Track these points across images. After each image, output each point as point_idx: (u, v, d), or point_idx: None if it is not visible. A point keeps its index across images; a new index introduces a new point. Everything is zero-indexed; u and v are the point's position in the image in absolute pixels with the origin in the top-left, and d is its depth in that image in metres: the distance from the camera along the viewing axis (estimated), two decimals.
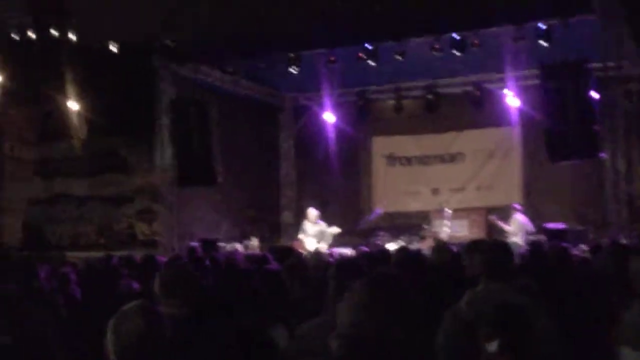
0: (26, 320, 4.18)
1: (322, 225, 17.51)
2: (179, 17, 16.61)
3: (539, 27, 14.76)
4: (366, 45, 15.90)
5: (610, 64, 13.96)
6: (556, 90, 14.10)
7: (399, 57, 15.64)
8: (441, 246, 8.09)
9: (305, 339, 4.20)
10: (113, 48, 27.31)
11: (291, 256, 7.53)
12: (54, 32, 31.88)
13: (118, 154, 28.61)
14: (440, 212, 18.72)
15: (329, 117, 20.29)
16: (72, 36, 32.02)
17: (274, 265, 8.26)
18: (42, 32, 31.91)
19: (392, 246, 16.98)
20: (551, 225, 15.08)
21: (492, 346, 3.46)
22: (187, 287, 4.03)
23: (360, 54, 15.87)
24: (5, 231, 27.09)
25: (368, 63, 16.29)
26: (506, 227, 16.86)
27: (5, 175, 27.01)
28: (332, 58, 16.07)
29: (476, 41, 15.01)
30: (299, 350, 4.21)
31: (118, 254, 12.22)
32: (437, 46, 15.34)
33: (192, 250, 12.41)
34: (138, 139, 23.96)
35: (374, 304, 2.48)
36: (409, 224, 19.76)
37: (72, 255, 18.09)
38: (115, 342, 3.05)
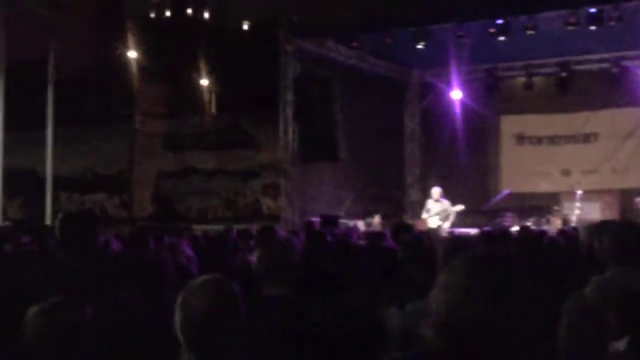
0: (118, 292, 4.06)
1: (446, 204, 17.17)
2: None
3: None
4: (497, 20, 15.30)
5: None
6: None
7: (531, 32, 14.97)
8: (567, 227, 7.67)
9: (408, 322, 3.92)
10: (245, 26, 27.78)
11: (409, 233, 7.21)
12: (189, 11, 32.68)
13: (245, 130, 29.03)
14: (571, 193, 18.05)
15: (456, 94, 19.76)
16: (206, 15, 32.78)
17: (389, 243, 8.00)
18: (178, 11, 32.79)
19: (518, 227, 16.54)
20: None
21: (621, 344, 2.99)
22: (284, 265, 3.79)
23: (491, 29, 15.27)
24: (136, 203, 27.90)
25: (498, 39, 15.73)
26: None
27: (137, 149, 27.77)
28: (461, 33, 15.53)
29: (615, 15, 14.16)
30: (405, 332, 3.94)
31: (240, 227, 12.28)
32: (572, 20, 14.58)
33: (308, 225, 12.28)
34: (264, 114, 24.19)
35: (475, 287, 2.12)
36: (538, 205, 19.09)
37: (199, 227, 18.32)
38: (181, 319, 2.75)
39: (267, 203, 28.26)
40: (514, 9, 14.98)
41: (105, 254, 5.91)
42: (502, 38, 15.60)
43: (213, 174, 29.45)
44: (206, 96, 31.44)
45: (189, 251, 7.93)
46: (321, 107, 16.41)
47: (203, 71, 30.88)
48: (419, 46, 16.31)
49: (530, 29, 14.99)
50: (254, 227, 11.82)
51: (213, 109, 32.59)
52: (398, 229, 7.23)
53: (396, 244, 6.33)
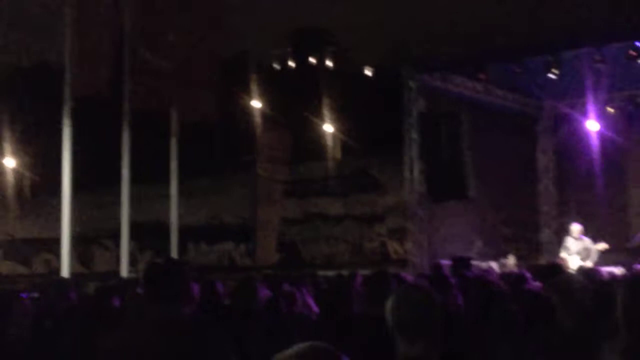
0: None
1: (587, 242, 16.08)
2: (428, 27, 15.96)
3: None
4: (636, 42, 14.20)
5: None
6: None
7: None
8: None
9: None
10: (368, 72, 27.57)
11: (557, 273, 6.31)
12: (312, 60, 32.93)
13: (369, 174, 28.63)
14: None
15: (593, 125, 18.52)
16: (329, 63, 32.90)
17: (532, 285, 7.13)
18: (301, 60, 33.09)
19: None
20: None
21: None
22: (426, 318, 3.02)
23: (631, 52, 14.15)
24: (261, 251, 27.73)
25: (636, 65, 14.61)
26: None
27: (260, 195, 27.68)
28: (598, 58, 14.45)
29: None
30: None
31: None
32: None
33: (436, 267, 11.45)
34: (388, 157, 23.66)
35: None
36: None
37: (325, 274, 17.77)
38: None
39: (394, 247, 27.61)
40: None
41: (206, 306, 5.32)
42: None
43: (339, 220, 29.11)
44: (330, 142, 31.34)
45: (309, 299, 7.33)
46: (448, 144, 15.62)
47: (326, 117, 30.81)
48: (551, 75, 15.32)
49: None
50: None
51: (338, 155, 32.50)
52: (544, 271, 6.28)
53: (544, 287, 5.45)
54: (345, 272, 12.66)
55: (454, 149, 15.63)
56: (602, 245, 16.06)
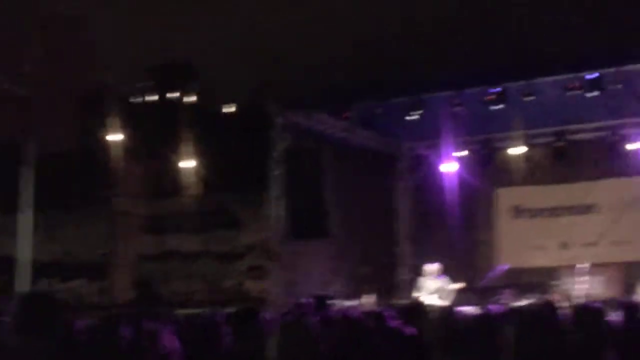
0: None
1: (443, 281, 16.30)
2: (293, 64, 16.01)
3: None
4: (493, 88, 14.69)
5: None
6: None
7: (530, 98, 14.36)
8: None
9: None
10: (229, 109, 27.38)
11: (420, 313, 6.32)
12: (173, 95, 32.46)
13: (229, 211, 28.30)
14: (570, 268, 17.29)
15: (450, 167, 19.02)
16: (190, 98, 32.51)
17: (392, 323, 7.12)
18: (162, 95, 32.55)
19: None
20: None
21: None
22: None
23: (489, 97, 14.63)
24: (116, 287, 26.87)
25: (492, 109, 15.13)
26: None
27: (117, 231, 26.90)
28: (457, 101, 14.88)
29: (616, 79, 13.61)
30: None
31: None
32: (571, 86, 13.99)
33: (300, 306, 11.32)
34: (249, 194, 23.48)
35: None
36: (536, 281, 18.26)
37: (183, 312, 17.33)
38: None
39: (252, 285, 27.34)
40: (512, 75, 14.40)
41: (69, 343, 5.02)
42: (498, 107, 14.96)
43: (197, 257, 28.60)
44: (190, 178, 30.87)
45: (172, 339, 7.05)
46: (310, 181, 15.61)
47: (186, 153, 30.36)
48: (411, 117, 15.65)
49: (528, 95, 14.38)
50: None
51: (197, 191, 32.02)
52: (411, 310, 6.19)
53: (415, 326, 5.43)
54: (207, 310, 12.42)
55: (316, 186, 15.64)
56: (460, 285, 16.35)
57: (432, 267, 16.49)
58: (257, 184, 21.08)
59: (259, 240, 23.98)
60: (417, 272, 19.23)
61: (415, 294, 16.51)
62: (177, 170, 30.61)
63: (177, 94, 34.51)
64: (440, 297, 16.16)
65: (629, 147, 17.23)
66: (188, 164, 27.25)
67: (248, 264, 27.19)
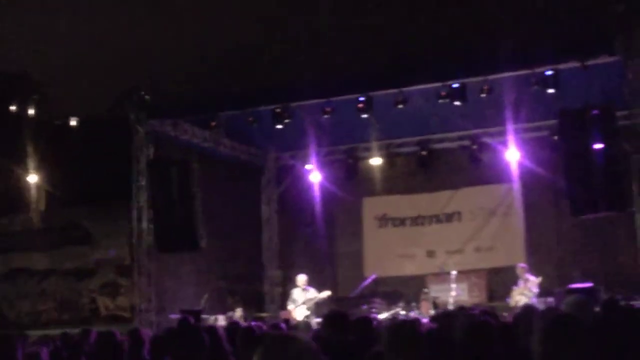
0: None
1: (312, 292, 16.18)
2: (156, 72, 15.43)
3: (544, 74, 13.71)
4: (360, 97, 14.63)
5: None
6: (577, 139, 12.95)
7: (400, 106, 14.41)
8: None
9: None
10: (73, 122, 26.21)
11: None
12: (14, 107, 30.81)
13: (80, 226, 27.11)
14: (438, 275, 17.55)
15: (315, 177, 18.91)
16: (31, 111, 30.97)
17: None
18: (1, 108, 30.81)
19: (388, 314, 15.70)
20: (577, 285, 13.76)
21: None
22: None
23: (359, 105, 14.54)
24: None
25: (357, 120, 15.12)
26: (530, 285, 15.45)
27: None
28: (328, 109, 14.74)
29: (485, 87, 13.84)
30: None
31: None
32: (441, 94, 14.12)
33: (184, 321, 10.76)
34: (103, 208, 22.53)
35: None
36: (405, 289, 18.42)
37: (34, 333, 16.42)
38: None
39: (104, 303, 26.32)
40: (381, 83, 14.41)
41: None
42: (364, 115, 14.92)
43: (46, 275, 27.30)
44: (37, 193, 29.42)
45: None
46: (179, 193, 15.04)
47: (32, 167, 28.96)
48: (279, 126, 15.40)
49: (397, 103, 14.43)
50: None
51: (42, 206, 30.57)
52: (333, 318, 5.85)
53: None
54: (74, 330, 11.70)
55: (185, 198, 15.08)
56: (326, 293, 16.27)
57: (301, 278, 16.36)
58: (113, 197, 20.26)
59: (111, 257, 23.08)
60: (284, 284, 19.08)
61: (290, 306, 16.30)
62: (23, 186, 29.14)
63: (15, 107, 32.91)
64: (308, 309, 16.04)
65: (489, 155, 17.66)
66: (34, 178, 25.98)
67: (101, 281, 26.18)
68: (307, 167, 19.05)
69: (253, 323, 9.39)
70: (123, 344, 8.04)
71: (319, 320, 14.93)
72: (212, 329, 6.18)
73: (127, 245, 22.28)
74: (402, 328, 3.91)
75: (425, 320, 10.40)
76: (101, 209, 22.92)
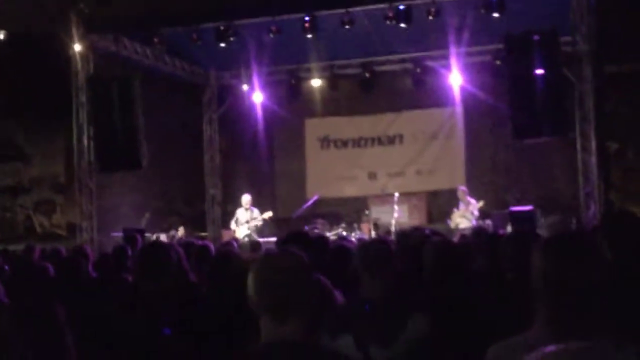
0: None
1: (255, 212, 16.23)
2: None
3: None
4: (306, 17, 14.41)
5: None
6: (521, 64, 13.05)
7: (346, 27, 14.25)
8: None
9: None
10: (1, 35, 25.30)
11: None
12: None
13: (12, 142, 26.52)
14: (379, 197, 17.73)
15: (258, 97, 18.76)
16: None
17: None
18: None
19: (330, 235, 15.83)
20: (518, 208, 14.04)
21: None
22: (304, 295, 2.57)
23: (305, 25, 14.35)
24: None
25: (300, 40, 14.94)
26: (471, 208, 15.72)
27: None
28: (274, 29, 14.51)
29: (432, 9, 13.79)
30: None
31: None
32: (387, 15, 14.02)
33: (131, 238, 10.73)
34: (38, 125, 22.06)
35: None
36: (346, 210, 18.60)
37: None
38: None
39: (40, 220, 25.97)
40: (329, 3, 14.25)
41: None
42: (309, 36, 14.75)
43: None
44: None
45: None
46: (121, 110, 14.75)
47: None
48: (222, 44, 15.13)
49: (347, 23, 14.28)
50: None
51: None
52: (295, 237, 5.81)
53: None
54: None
55: (127, 116, 14.80)
56: (268, 214, 16.36)
57: (246, 198, 16.38)
58: (48, 113, 19.83)
59: (47, 174, 22.71)
60: (225, 204, 19.08)
61: (233, 225, 16.36)
62: None
63: None
64: (249, 228, 16.13)
65: (432, 78, 17.72)
66: None
67: (36, 198, 25.79)
68: (245, 87, 18.85)
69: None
70: (69, 260, 8.00)
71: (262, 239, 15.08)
72: (171, 246, 6.14)
73: (62, 163, 21.96)
74: (376, 248, 3.94)
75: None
76: (35, 126, 22.47)
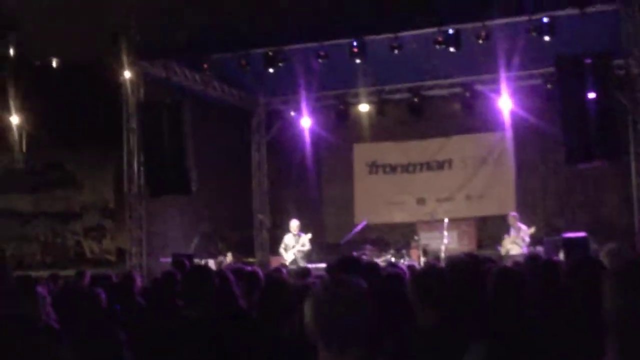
0: None
1: (304, 237, 16.13)
2: (145, 11, 15.13)
3: (541, 21, 13.54)
4: (354, 42, 14.39)
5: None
6: (573, 87, 12.84)
7: (395, 52, 14.20)
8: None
9: None
10: (54, 63, 25.74)
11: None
12: None
13: (64, 168, 26.87)
14: (427, 223, 17.59)
15: (306, 122, 18.75)
16: (11, 51, 30.39)
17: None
18: None
19: (379, 261, 15.66)
20: (571, 235, 13.76)
21: None
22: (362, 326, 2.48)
23: (353, 50, 14.32)
24: None
25: (348, 65, 14.91)
26: (522, 234, 15.45)
27: None
28: (322, 53, 14.52)
29: (482, 33, 13.68)
30: None
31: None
32: (437, 40, 13.93)
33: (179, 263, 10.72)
34: (88, 151, 22.33)
35: None
36: (394, 236, 18.47)
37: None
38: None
39: (90, 246, 26.23)
40: (376, 28, 14.21)
41: None
42: (357, 61, 14.71)
43: (30, 217, 27.14)
44: (16, 134, 29.06)
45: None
46: (171, 136, 14.84)
47: (12, 107, 28.59)
48: (270, 70, 15.16)
49: (396, 48, 14.23)
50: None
51: (24, 148, 30.22)
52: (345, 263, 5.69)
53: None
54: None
55: (177, 141, 14.88)
56: (308, 236, 16.27)
57: (294, 224, 16.29)
58: (99, 140, 20.04)
59: (98, 199, 22.94)
60: (273, 230, 19.04)
61: (281, 252, 16.28)
62: (4, 126, 28.77)
63: None
64: (295, 254, 16.02)
65: (482, 102, 17.55)
66: (16, 119, 25.65)
67: (86, 224, 26.07)
68: (293, 113, 18.88)
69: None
70: (120, 286, 8.01)
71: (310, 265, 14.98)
72: (221, 272, 6.11)
73: (112, 189, 22.18)
74: (430, 274, 3.84)
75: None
76: (85, 152, 22.78)
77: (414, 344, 3.60)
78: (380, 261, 15.73)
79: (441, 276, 3.83)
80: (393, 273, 5.79)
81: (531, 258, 6.74)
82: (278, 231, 18.42)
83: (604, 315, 2.27)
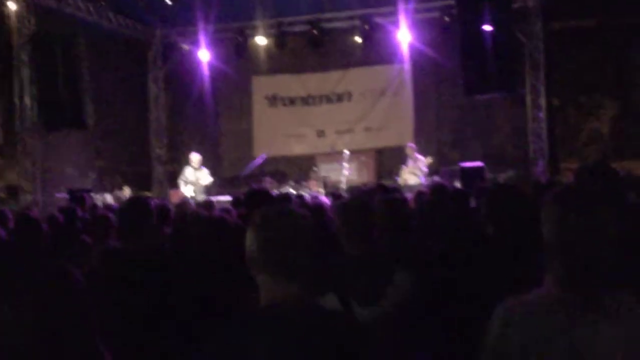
0: None
1: (204, 172, 15.91)
2: None
3: None
4: None
5: None
6: (470, 21, 13.03)
7: None
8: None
9: None
10: None
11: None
12: None
13: None
14: (327, 155, 17.70)
15: (204, 55, 18.41)
16: None
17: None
18: None
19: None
20: (468, 164, 14.08)
21: None
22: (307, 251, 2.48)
23: None
24: None
25: None
26: (420, 164, 15.63)
27: None
28: None
29: None
30: None
31: None
32: None
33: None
34: None
35: None
36: (293, 168, 18.52)
37: None
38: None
39: None
40: None
41: None
42: None
43: None
44: None
45: None
46: (65, 69, 14.32)
47: None
48: (168, 1, 14.80)
49: None
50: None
51: None
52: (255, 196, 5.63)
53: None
54: None
55: (72, 74, 14.39)
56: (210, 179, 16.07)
57: (195, 157, 16.03)
58: None
59: None
60: (171, 164, 18.82)
61: (182, 186, 16.01)
62: None
63: None
64: (198, 188, 15.82)
65: (381, 35, 17.58)
66: None
67: None
68: (190, 45, 18.51)
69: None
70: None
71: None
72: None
73: (1, 124, 21.36)
74: (356, 205, 3.87)
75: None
76: None
77: (342, 273, 3.64)
78: (281, 193, 15.78)
79: (367, 206, 3.87)
80: (317, 204, 5.81)
81: (437, 188, 6.86)
82: (175, 165, 18.23)
83: (542, 237, 2.32)
